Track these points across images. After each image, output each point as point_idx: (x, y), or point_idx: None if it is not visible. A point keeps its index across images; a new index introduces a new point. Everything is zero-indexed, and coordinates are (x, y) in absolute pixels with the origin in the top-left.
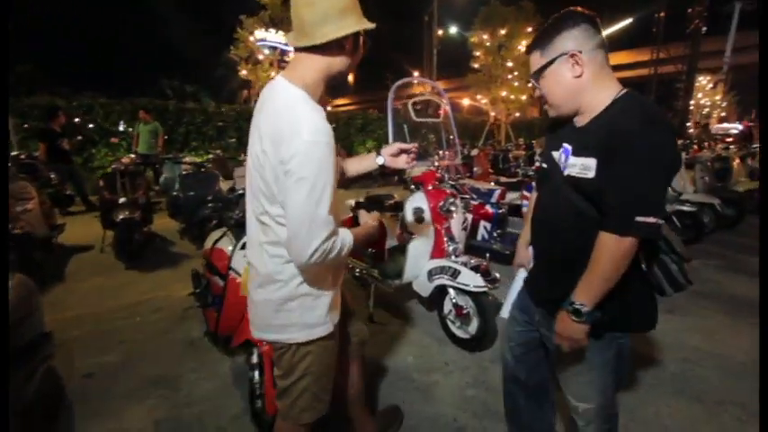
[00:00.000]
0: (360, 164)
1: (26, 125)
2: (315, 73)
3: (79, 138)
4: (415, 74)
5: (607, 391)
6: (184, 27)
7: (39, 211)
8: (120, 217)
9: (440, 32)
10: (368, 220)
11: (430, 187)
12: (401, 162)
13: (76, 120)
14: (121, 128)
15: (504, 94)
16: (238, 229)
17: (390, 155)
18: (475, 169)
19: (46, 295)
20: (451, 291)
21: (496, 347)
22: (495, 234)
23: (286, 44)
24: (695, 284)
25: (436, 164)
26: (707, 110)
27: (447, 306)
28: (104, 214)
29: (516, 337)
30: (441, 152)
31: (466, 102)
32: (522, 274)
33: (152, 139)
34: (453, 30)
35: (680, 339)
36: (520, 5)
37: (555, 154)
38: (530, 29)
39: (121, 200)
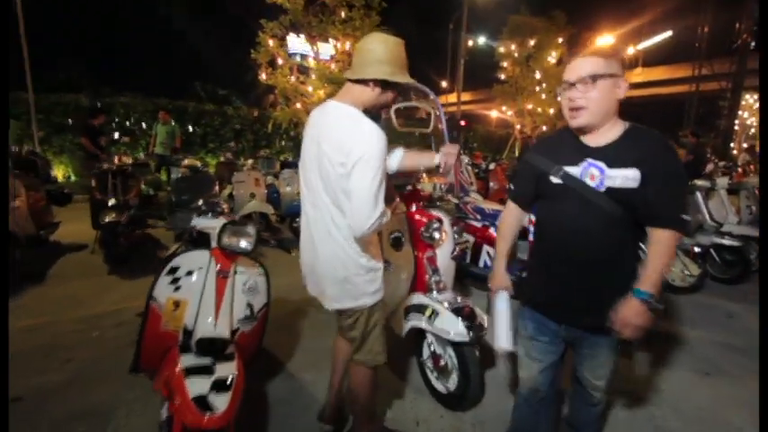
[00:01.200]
0: (414, 160)
1: (70, 120)
2: (355, 99)
3: (115, 135)
4: (443, 84)
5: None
6: (216, 31)
7: (26, 209)
8: (106, 219)
9: (469, 43)
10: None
11: (413, 208)
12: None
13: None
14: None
15: (530, 106)
16: (192, 244)
17: (446, 154)
18: (491, 184)
19: (18, 298)
20: (429, 335)
21: (480, 409)
22: None
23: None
24: (736, 338)
25: (426, 181)
26: (753, 130)
27: (426, 351)
28: (94, 215)
29: (539, 355)
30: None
31: (494, 114)
32: (503, 297)
33: (169, 140)
34: (481, 40)
35: (719, 414)
36: (551, 15)
37: (573, 170)
38: (560, 39)
39: (111, 201)
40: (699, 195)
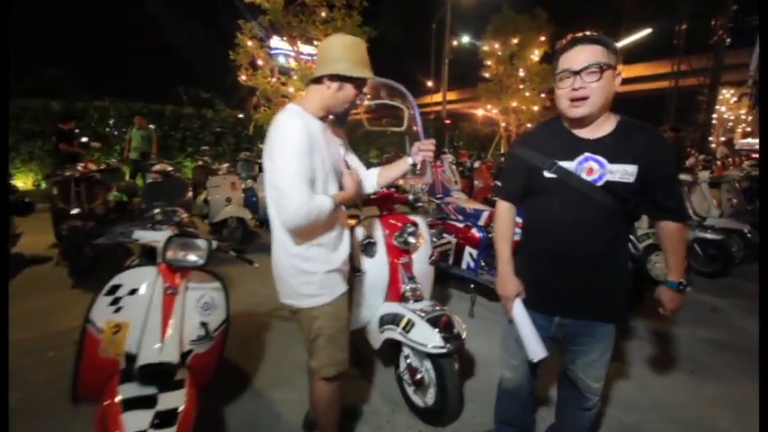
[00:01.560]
0: (393, 170)
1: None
2: (312, 99)
3: (84, 139)
4: (428, 84)
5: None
6: (197, 33)
7: None
8: (66, 228)
9: (453, 42)
10: (348, 181)
11: (386, 212)
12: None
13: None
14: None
15: (515, 104)
16: (145, 257)
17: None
18: (476, 183)
19: None
20: (406, 347)
21: (459, 423)
22: (482, 263)
23: (313, 56)
24: (721, 334)
25: (401, 182)
26: (730, 124)
27: (403, 363)
28: (56, 225)
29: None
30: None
31: (480, 112)
32: (519, 304)
33: (145, 145)
34: (465, 39)
35: (704, 415)
36: (533, 14)
37: (568, 164)
38: (543, 38)
39: (74, 210)
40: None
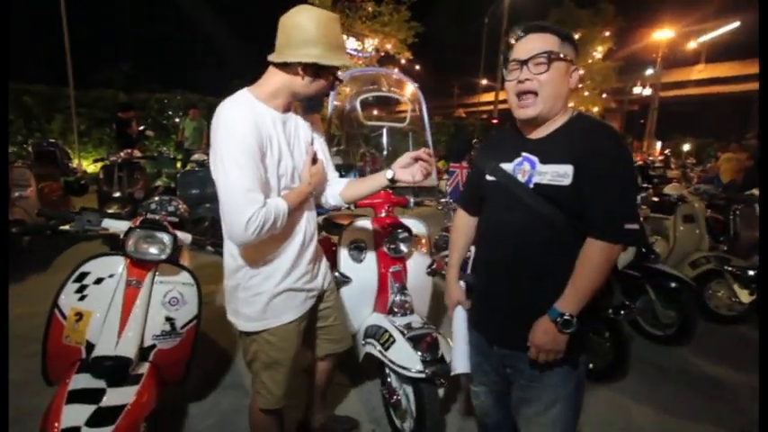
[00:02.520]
0: (364, 185)
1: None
2: (273, 85)
3: (141, 128)
4: (483, 82)
5: (568, 430)
6: (255, 28)
7: (35, 198)
8: (108, 212)
9: (509, 39)
10: (305, 172)
11: (383, 214)
12: (416, 173)
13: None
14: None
15: (571, 105)
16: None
17: (401, 167)
18: None
19: (18, 286)
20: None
21: None
22: None
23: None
24: None
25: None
26: None
27: (385, 381)
28: (100, 206)
29: (482, 378)
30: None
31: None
32: (461, 314)
33: (197, 136)
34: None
35: None
36: (598, 8)
37: (507, 166)
38: (607, 33)
39: (116, 194)
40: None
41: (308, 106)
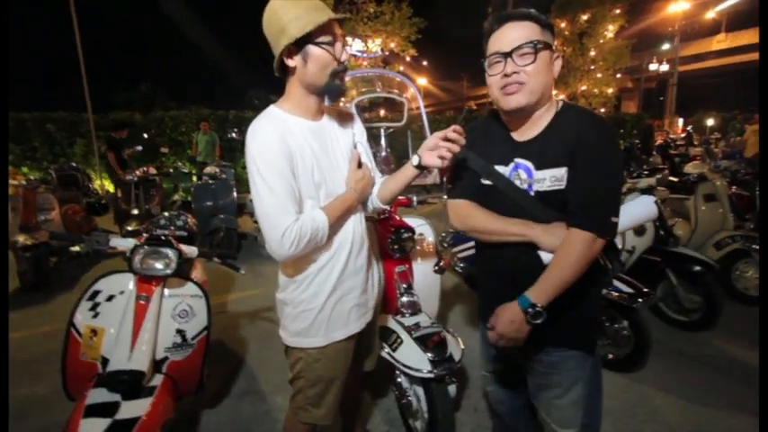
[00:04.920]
0: (394, 180)
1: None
2: (291, 92)
3: (138, 148)
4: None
5: (590, 410)
6: (262, 40)
7: (59, 220)
8: (128, 229)
9: None
10: (350, 177)
11: (385, 215)
12: (444, 154)
13: (144, 134)
14: (164, 150)
15: (584, 88)
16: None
17: (429, 149)
18: None
19: (45, 305)
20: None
21: None
22: None
23: (363, 52)
24: None
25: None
26: None
27: (396, 382)
28: (119, 223)
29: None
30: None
31: None
32: None
33: (209, 149)
34: None
35: None
36: None
37: (502, 169)
38: (618, 10)
39: (134, 211)
40: None
41: (328, 93)
